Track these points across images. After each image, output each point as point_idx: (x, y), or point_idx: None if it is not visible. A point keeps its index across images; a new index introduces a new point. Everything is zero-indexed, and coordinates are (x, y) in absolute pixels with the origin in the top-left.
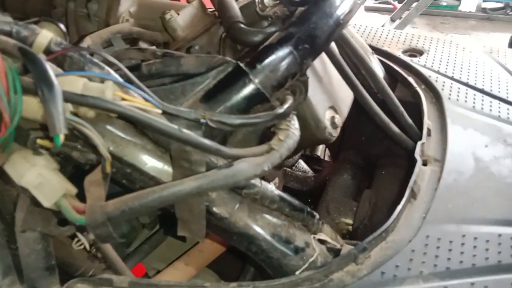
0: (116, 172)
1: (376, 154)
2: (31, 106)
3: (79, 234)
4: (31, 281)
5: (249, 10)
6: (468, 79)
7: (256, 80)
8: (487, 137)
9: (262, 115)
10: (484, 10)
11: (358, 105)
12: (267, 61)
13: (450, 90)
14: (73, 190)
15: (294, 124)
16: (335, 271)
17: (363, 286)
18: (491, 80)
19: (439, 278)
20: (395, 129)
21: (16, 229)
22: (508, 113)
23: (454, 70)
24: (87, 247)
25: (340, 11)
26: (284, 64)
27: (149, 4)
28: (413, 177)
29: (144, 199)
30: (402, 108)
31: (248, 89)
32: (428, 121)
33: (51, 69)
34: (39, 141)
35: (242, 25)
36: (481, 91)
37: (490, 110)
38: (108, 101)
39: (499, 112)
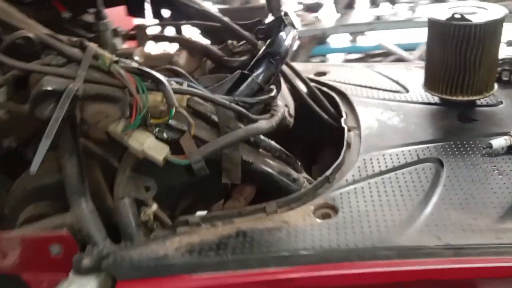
0: None
1: (315, 142)
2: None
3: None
4: (129, 235)
5: (225, 49)
6: (358, 81)
7: (256, 79)
8: (381, 109)
9: (264, 97)
10: None
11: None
12: (260, 68)
13: (349, 89)
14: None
15: (280, 105)
16: (318, 188)
17: (336, 188)
18: (373, 80)
19: (378, 175)
20: (325, 116)
21: (115, 198)
22: (389, 96)
23: (348, 78)
24: (151, 216)
25: (287, 42)
26: (268, 68)
27: (154, 56)
28: (345, 137)
29: (217, 144)
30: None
31: (252, 84)
32: (343, 108)
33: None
34: (152, 120)
35: (226, 58)
36: (369, 87)
37: (377, 95)
38: (197, 88)
39: (384, 96)
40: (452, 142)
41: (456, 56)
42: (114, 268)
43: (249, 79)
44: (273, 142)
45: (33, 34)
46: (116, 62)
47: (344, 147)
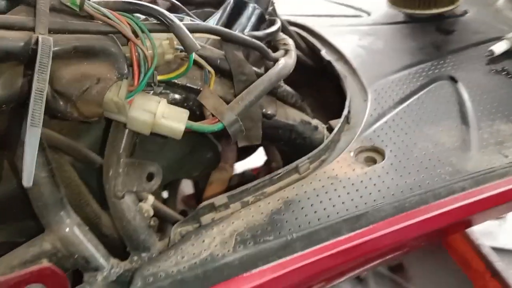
0: None
1: None
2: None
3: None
4: (142, 243)
5: None
6: (312, 12)
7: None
8: (356, 35)
9: (274, 29)
10: None
11: None
12: None
13: (309, 21)
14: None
15: (286, 37)
16: (342, 131)
17: (366, 127)
18: (326, 8)
19: (400, 103)
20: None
21: (112, 199)
22: (355, 22)
23: (301, 10)
24: (151, 213)
25: None
26: None
27: None
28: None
29: (252, 94)
30: None
31: (255, 14)
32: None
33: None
34: (160, 77)
35: None
36: (328, 15)
37: (343, 23)
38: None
39: (350, 23)
40: (450, 56)
41: None
42: None
43: (250, 8)
44: (287, 86)
45: None
46: None
47: (348, 83)
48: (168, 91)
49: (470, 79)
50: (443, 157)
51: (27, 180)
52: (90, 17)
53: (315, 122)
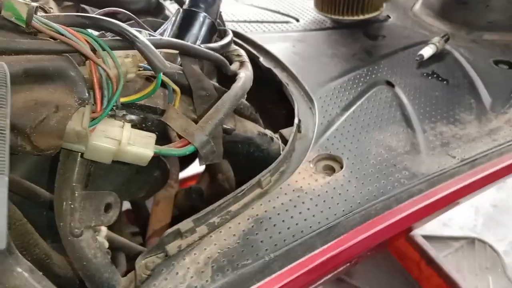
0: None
1: None
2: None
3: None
4: (107, 281)
5: None
6: (242, 18)
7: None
8: (288, 42)
9: (228, 41)
10: None
11: None
12: (203, 2)
13: (240, 27)
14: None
15: (238, 48)
16: (296, 141)
17: (318, 136)
18: (254, 14)
19: (345, 109)
20: None
21: (68, 238)
22: (286, 28)
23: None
24: (106, 245)
25: None
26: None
27: None
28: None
29: (221, 111)
30: None
31: (207, 24)
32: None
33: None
34: (122, 99)
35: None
36: (258, 21)
37: (274, 29)
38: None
39: (281, 29)
40: (382, 61)
41: None
42: None
43: (200, 18)
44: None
45: None
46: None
47: (290, 90)
48: (124, 112)
49: (405, 83)
50: (397, 161)
51: (2, 243)
52: (39, 34)
53: (269, 133)
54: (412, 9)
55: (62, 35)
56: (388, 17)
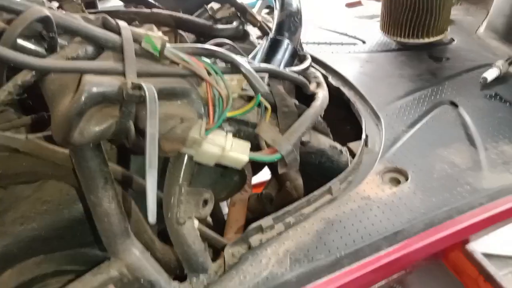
0: None
1: None
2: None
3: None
4: (201, 265)
5: (204, 16)
6: (308, 39)
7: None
8: (357, 63)
9: (307, 65)
10: None
11: None
12: (288, 31)
13: (307, 48)
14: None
15: (315, 71)
16: (363, 154)
17: (385, 150)
18: (321, 35)
19: (411, 126)
20: None
21: (174, 226)
22: (353, 49)
23: None
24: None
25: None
26: (296, 29)
27: None
28: (346, 96)
29: (303, 125)
30: None
31: (289, 51)
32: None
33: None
34: (229, 113)
35: (215, 26)
36: (326, 43)
37: (342, 50)
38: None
39: (348, 50)
40: (447, 82)
41: None
42: None
43: (285, 45)
44: None
45: (49, 12)
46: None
47: (358, 108)
48: (230, 123)
49: (469, 104)
50: (460, 177)
51: (152, 218)
52: (166, 60)
53: (339, 146)
54: (476, 32)
55: (187, 62)
56: (453, 40)
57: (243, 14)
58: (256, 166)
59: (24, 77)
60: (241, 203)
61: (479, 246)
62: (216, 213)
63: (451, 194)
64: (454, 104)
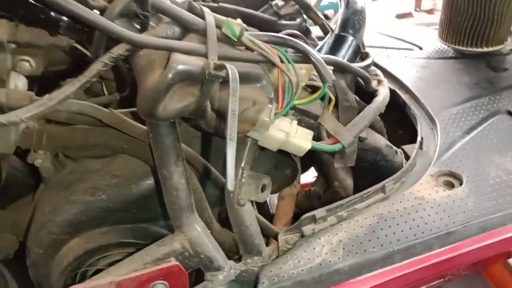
0: None
1: None
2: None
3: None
4: (256, 247)
5: (269, 12)
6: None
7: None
8: (414, 68)
9: (371, 61)
10: None
11: None
12: (352, 29)
13: None
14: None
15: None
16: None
17: (441, 153)
18: (380, 40)
19: (467, 133)
20: None
21: (235, 206)
22: (410, 55)
23: None
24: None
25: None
26: (361, 27)
27: None
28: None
29: (365, 119)
30: None
31: (353, 47)
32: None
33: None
34: (298, 101)
35: (280, 22)
36: (383, 47)
37: (398, 55)
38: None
39: (405, 55)
40: (505, 92)
41: (486, 6)
42: None
43: (349, 42)
44: None
45: None
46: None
47: (413, 111)
48: (294, 112)
49: None
50: None
51: (231, 185)
52: (243, 47)
53: (394, 147)
54: None
55: (263, 49)
56: (511, 51)
57: (306, 11)
58: (302, 165)
59: (119, 50)
60: (290, 198)
61: None
62: (263, 206)
63: (505, 201)
64: (511, 114)
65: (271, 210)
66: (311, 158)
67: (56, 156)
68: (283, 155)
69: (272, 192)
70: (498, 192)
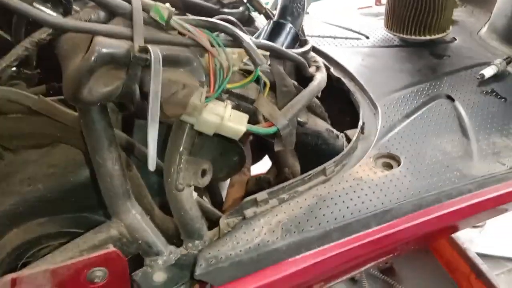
0: None
1: None
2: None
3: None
4: (197, 231)
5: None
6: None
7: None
8: (358, 56)
9: (309, 47)
10: None
11: None
12: (290, 16)
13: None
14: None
15: (315, 55)
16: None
17: (380, 136)
18: (328, 30)
19: (407, 117)
20: None
21: (173, 192)
22: (356, 44)
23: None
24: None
25: None
26: (299, 14)
27: None
28: (346, 86)
29: (300, 103)
30: None
31: (292, 34)
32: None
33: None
34: (229, 85)
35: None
36: (330, 37)
37: (345, 44)
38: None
39: (352, 44)
40: (445, 78)
41: None
42: (209, 273)
43: (287, 29)
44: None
45: None
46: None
47: (357, 97)
48: (229, 96)
49: (465, 98)
50: (450, 164)
51: (152, 165)
52: (172, 31)
53: (335, 131)
54: (478, 33)
55: (191, 33)
56: (454, 39)
57: (249, 0)
58: (256, 154)
59: (40, 35)
60: (240, 185)
61: (473, 245)
62: (215, 195)
63: (440, 179)
64: (450, 98)
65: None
66: (264, 146)
67: None
68: (229, 142)
69: (221, 180)
70: (434, 171)
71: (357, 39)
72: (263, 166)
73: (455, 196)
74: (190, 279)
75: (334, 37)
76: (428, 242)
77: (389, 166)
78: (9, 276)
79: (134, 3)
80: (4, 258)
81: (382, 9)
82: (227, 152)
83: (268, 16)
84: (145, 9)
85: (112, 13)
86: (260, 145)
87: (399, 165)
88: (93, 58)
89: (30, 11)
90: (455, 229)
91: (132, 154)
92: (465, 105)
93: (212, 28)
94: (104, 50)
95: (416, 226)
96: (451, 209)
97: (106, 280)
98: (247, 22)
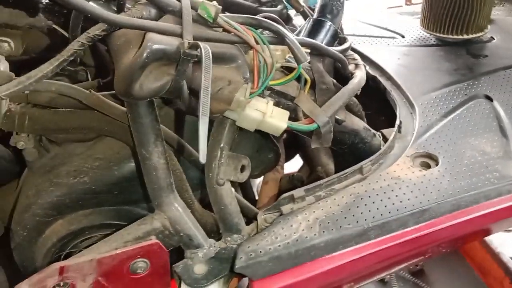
0: None
1: None
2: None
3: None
4: (236, 225)
5: None
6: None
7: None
8: (395, 55)
9: (348, 45)
10: None
11: None
12: (330, 14)
13: None
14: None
15: (354, 54)
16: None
17: (418, 136)
18: (363, 29)
19: (445, 116)
20: None
21: (214, 186)
22: (392, 43)
23: None
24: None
25: None
26: (339, 12)
27: None
28: (383, 85)
29: (340, 100)
30: None
31: (331, 32)
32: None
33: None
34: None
35: (261, 9)
36: (366, 36)
37: (380, 43)
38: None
39: (387, 43)
40: (483, 78)
41: None
42: (249, 267)
43: (327, 26)
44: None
45: None
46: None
47: (393, 96)
48: (271, 93)
49: (504, 98)
50: (489, 164)
51: (202, 158)
52: (217, 28)
53: (373, 130)
54: None
55: (238, 30)
56: (492, 38)
57: None
58: (288, 153)
59: (95, 30)
60: (274, 182)
61: (506, 249)
62: (247, 192)
63: (479, 179)
64: (489, 98)
65: (256, 196)
66: (296, 145)
67: (40, 141)
68: (265, 139)
69: (255, 176)
70: (473, 172)
71: (393, 38)
72: (293, 165)
73: (494, 197)
74: (230, 272)
75: (370, 36)
76: (462, 244)
77: (427, 166)
78: (57, 265)
79: (183, 1)
80: (50, 248)
81: (412, 8)
82: (263, 149)
83: (305, 15)
84: (193, 6)
85: (162, 11)
86: (292, 143)
87: (437, 164)
88: (145, 54)
89: (88, 7)
90: (490, 231)
91: (173, 148)
92: (504, 105)
93: (257, 25)
94: (156, 47)
95: (454, 226)
96: (490, 210)
97: (147, 271)
98: (285, 21)
